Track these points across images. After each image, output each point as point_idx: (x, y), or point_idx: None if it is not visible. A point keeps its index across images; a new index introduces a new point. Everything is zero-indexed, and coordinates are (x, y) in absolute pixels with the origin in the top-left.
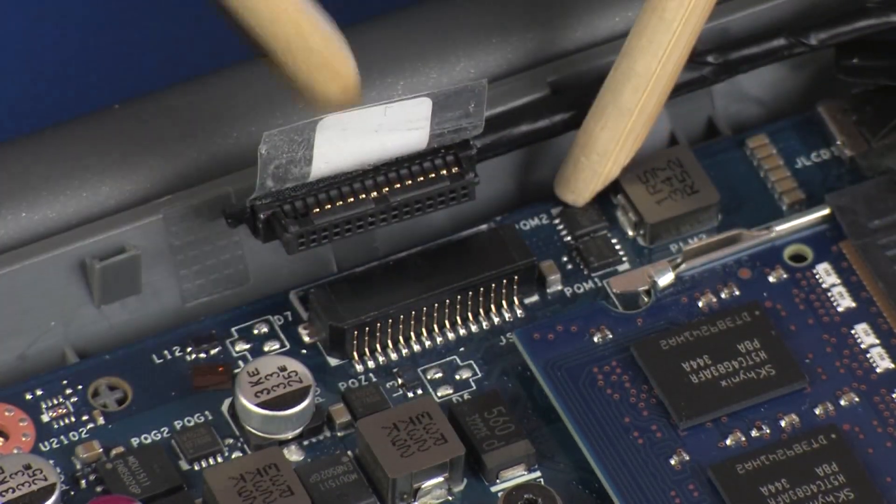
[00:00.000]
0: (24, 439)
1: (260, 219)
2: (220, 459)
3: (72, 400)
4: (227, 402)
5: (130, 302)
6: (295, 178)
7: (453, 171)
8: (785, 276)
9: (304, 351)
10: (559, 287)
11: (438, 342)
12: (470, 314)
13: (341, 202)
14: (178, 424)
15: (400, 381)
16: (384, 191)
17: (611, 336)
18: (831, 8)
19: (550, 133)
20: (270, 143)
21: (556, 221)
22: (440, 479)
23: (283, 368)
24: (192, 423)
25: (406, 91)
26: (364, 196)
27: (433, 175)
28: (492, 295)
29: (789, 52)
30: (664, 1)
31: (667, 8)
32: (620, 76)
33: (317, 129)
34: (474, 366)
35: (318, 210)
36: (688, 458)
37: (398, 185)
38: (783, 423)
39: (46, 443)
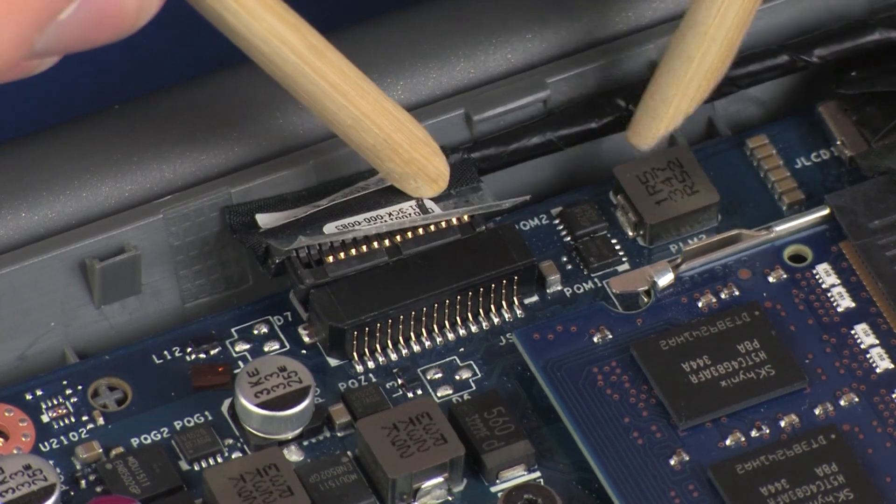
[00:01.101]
0: (23, 440)
1: (273, 261)
2: (219, 460)
3: (72, 400)
4: (226, 402)
5: (130, 302)
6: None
7: (464, 219)
8: (785, 276)
9: (304, 351)
10: (559, 287)
11: (438, 342)
12: (470, 314)
13: (354, 250)
14: (177, 425)
15: (400, 381)
16: (396, 239)
17: (610, 336)
18: (831, 24)
19: (556, 149)
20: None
21: (556, 222)
22: (440, 479)
23: (283, 368)
24: (191, 424)
25: (405, 91)
26: (377, 245)
27: (444, 224)
28: (492, 295)
29: (792, 68)
30: None
31: None
32: (684, 25)
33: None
34: (474, 366)
35: (332, 259)
36: (687, 458)
37: (410, 235)
38: (783, 424)
39: (46, 443)
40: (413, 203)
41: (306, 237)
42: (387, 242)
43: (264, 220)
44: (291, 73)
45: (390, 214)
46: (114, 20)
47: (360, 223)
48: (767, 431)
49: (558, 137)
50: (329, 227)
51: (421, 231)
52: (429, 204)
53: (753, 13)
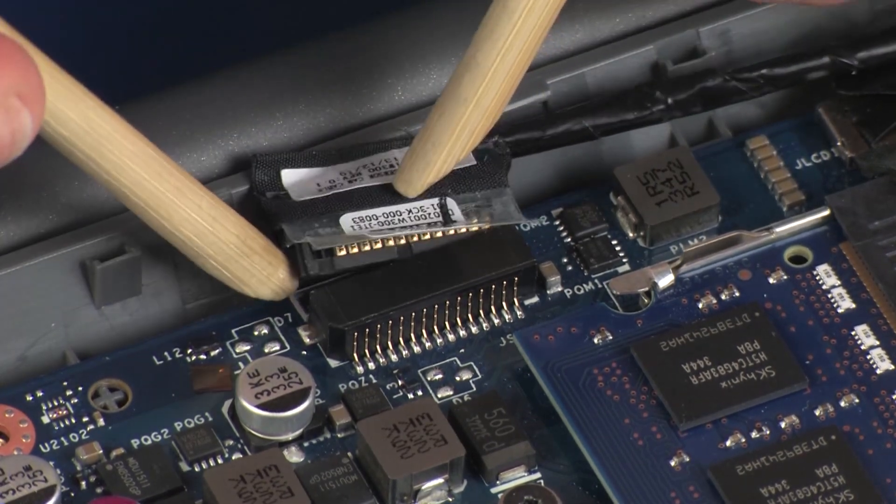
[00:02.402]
0: (24, 441)
1: (283, 245)
2: (220, 461)
3: (72, 401)
4: (227, 403)
5: (131, 303)
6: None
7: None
8: (785, 277)
9: (305, 352)
10: (559, 288)
11: (438, 343)
12: (470, 315)
13: (368, 246)
14: (178, 426)
15: (400, 382)
16: (412, 239)
17: (611, 337)
18: (850, 30)
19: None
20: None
21: (557, 223)
22: (440, 480)
23: (284, 370)
24: (192, 425)
25: (405, 93)
26: (391, 242)
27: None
28: (492, 296)
29: (831, 71)
30: None
31: None
32: (462, 66)
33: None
34: (474, 367)
35: (342, 251)
36: (688, 459)
37: (424, 237)
38: (783, 425)
39: (47, 444)
40: (434, 202)
41: (321, 228)
42: (402, 241)
43: (289, 176)
44: (157, 170)
45: (409, 212)
46: None
47: (377, 217)
48: (768, 432)
49: (594, 126)
50: (346, 220)
51: (440, 234)
52: (450, 204)
53: (533, 55)
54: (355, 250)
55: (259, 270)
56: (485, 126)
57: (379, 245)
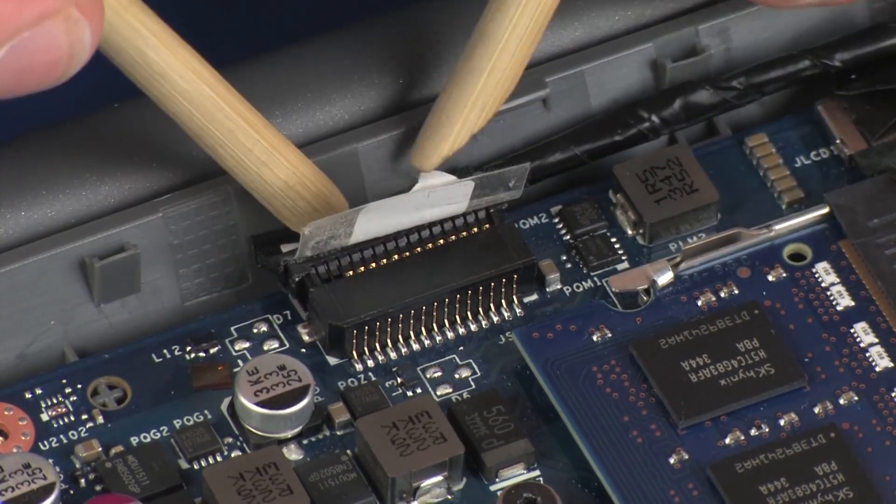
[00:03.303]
0: (23, 438)
1: (294, 279)
2: (219, 458)
3: (71, 399)
4: (226, 400)
5: (130, 301)
6: (333, 249)
7: (485, 227)
8: (784, 275)
9: (304, 350)
10: (558, 286)
11: (438, 341)
12: (469, 313)
13: (374, 264)
14: (177, 423)
15: (399, 380)
16: (417, 251)
17: (610, 335)
18: (850, 28)
19: (581, 162)
20: (314, 226)
21: (556, 220)
22: (439, 477)
23: (283, 367)
24: (191, 422)
25: (405, 93)
26: (397, 257)
27: (465, 234)
28: (491, 294)
29: (813, 73)
30: None
31: None
32: (474, 38)
33: (360, 213)
34: (473, 365)
35: (351, 274)
36: (687, 456)
37: (430, 245)
38: (782, 422)
39: (46, 442)
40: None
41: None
42: (407, 255)
43: (288, 247)
44: (209, 109)
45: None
46: (45, 67)
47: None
48: (767, 430)
49: (583, 152)
50: (354, 239)
51: (441, 242)
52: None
53: (545, 26)
54: (362, 269)
55: (302, 212)
56: (498, 97)
57: (386, 261)
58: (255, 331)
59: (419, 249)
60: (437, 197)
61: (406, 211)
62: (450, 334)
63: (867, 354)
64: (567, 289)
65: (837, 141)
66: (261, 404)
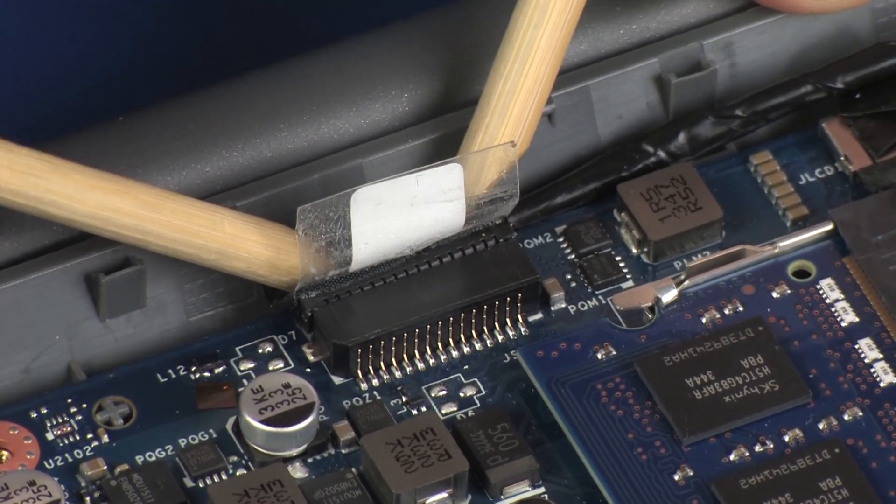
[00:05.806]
0: (28, 457)
1: (306, 314)
2: (224, 476)
3: (76, 418)
4: (231, 419)
5: (135, 316)
6: (337, 264)
7: (489, 245)
8: (788, 291)
9: (309, 370)
10: (563, 304)
11: (442, 360)
12: (474, 332)
13: (379, 283)
14: (182, 442)
15: (404, 398)
16: (421, 269)
17: (614, 353)
18: (854, 43)
19: (589, 199)
20: (306, 220)
21: (560, 239)
22: (444, 494)
23: (287, 385)
24: (196, 441)
25: (410, 104)
26: (401, 276)
27: (470, 252)
28: (496, 312)
29: (816, 97)
30: None
31: None
32: (503, 41)
33: (351, 202)
34: (478, 383)
35: (355, 293)
36: (691, 473)
37: (434, 264)
38: (787, 438)
39: (51, 460)
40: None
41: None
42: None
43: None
44: (135, 236)
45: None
46: None
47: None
48: (771, 446)
49: (590, 190)
50: (357, 251)
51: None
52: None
53: (570, 30)
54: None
55: (281, 275)
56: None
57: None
58: (260, 351)
59: (423, 268)
60: (428, 185)
61: (400, 205)
62: (454, 353)
63: (871, 370)
64: (572, 307)
65: (842, 158)
66: (266, 422)
